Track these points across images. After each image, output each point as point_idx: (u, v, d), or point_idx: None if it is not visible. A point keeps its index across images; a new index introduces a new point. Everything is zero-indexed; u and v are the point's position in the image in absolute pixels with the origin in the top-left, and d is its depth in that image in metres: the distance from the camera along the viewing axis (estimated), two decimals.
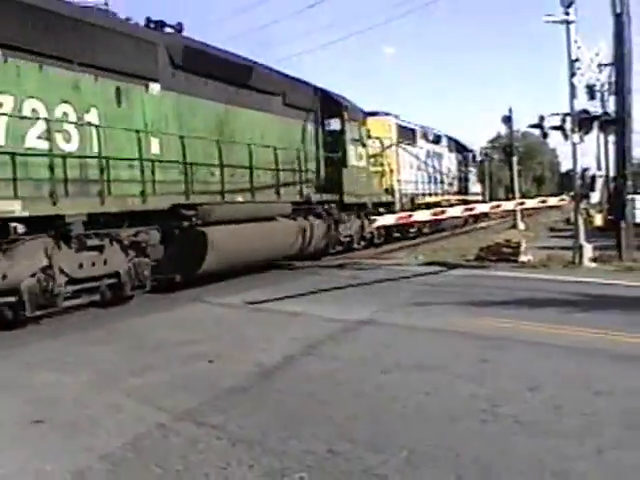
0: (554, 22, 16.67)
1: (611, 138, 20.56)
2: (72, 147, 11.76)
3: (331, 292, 13.67)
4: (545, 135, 18.28)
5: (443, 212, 18.08)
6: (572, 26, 16.67)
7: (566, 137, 17.29)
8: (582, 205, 17.88)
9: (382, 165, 26.92)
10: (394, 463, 4.82)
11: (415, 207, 28.62)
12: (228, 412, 6.15)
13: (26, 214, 10.28)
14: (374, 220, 17.74)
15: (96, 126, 12.17)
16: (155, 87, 14.07)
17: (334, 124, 22.30)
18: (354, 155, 23.18)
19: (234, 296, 13.27)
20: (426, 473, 4.67)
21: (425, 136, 37.00)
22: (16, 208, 10.07)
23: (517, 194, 37.56)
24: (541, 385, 6.63)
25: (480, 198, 42.97)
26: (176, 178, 14.27)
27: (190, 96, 15.20)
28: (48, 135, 11.10)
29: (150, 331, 10.40)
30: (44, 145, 11.07)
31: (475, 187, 47.20)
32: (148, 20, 14.95)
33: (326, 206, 20.50)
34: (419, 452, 5.03)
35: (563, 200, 19.39)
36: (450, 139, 42.70)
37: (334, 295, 13.38)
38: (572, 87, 17.00)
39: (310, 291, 13.61)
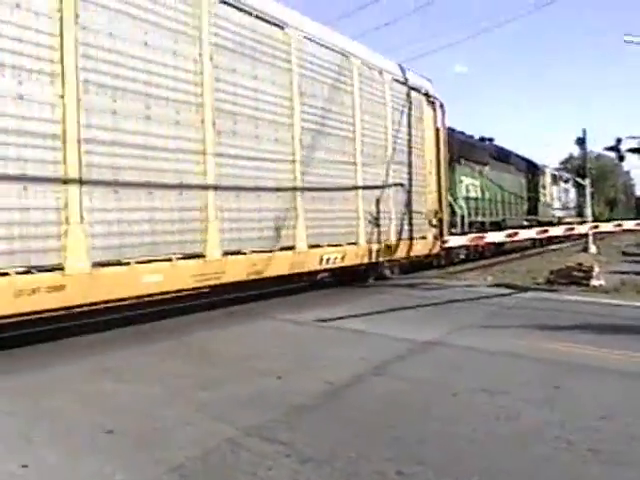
0: (635, 43, 16.37)
1: None
2: (474, 195, 29.89)
3: (400, 311, 13.64)
4: (621, 158, 18.03)
5: (516, 234, 17.98)
6: None
7: None
8: None
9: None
10: None
11: (560, 223, 43.04)
12: (297, 430, 6.16)
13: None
14: (446, 241, 17.82)
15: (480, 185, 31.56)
16: (487, 168, 32.49)
17: (532, 176, 42.92)
18: (541, 194, 44.77)
19: (302, 313, 13.33)
20: None
21: (561, 178, 53.70)
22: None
23: (590, 217, 37.30)
24: (614, 413, 6.49)
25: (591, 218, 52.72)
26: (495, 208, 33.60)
27: (495, 171, 34.30)
28: (475, 191, 29.83)
29: (219, 345, 10.51)
30: (473, 195, 29.47)
31: (587, 211, 57.36)
32: (480, 137, 34.77)
33: (532, 223, 38.07)
34: (490, 477, 4.98)
35: None
36: (574, 179, 58.06)
37: (403, 315, 13.34)
38: None
39: (379, 310, 13.56)
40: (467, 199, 28.46)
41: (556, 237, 37.73)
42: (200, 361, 9.36)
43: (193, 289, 12.47)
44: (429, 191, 21.73)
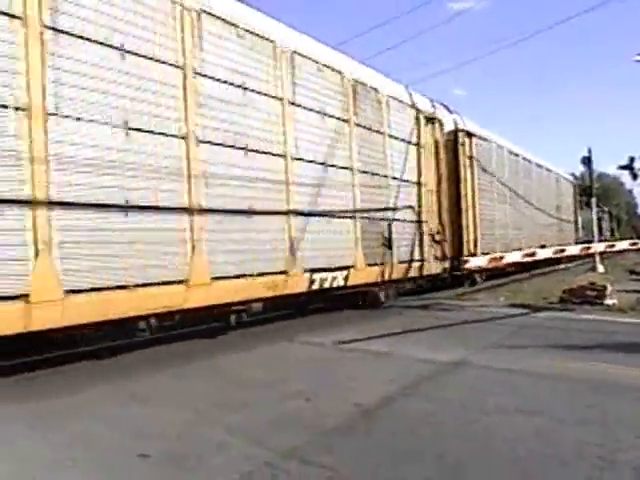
0: None
1: None
2: None
3: (419, 332, 13.58)
4: (635, 176, 17.96)
5: (534, 254, 17.98)
6: None
7: None
8: None
9: None
10: None
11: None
12: (335, 452, 6.12)
13: None
14: (466, 261, 17.78)
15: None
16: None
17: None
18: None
19: (321, 335, 13.26)
20: None
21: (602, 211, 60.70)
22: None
23: (597, 236, 37.36)
24: None
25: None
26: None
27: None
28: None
29: (242, 368, 10.47)
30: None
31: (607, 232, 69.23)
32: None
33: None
34: None
35: None
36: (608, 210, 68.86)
37: (423, 335, 13.29)
38: None
39: (398, 331, 13.53)
40: None
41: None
42: (227, 384, 9.32)
43: None
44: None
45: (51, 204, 9.23)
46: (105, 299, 9.89)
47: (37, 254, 8.97)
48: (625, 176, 19.02)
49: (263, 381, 9.37)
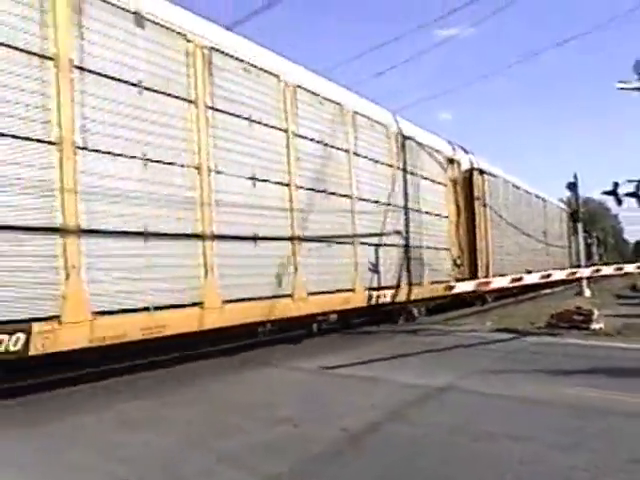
0: (628, 89, 16.43)
1: None
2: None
3: (406, 357, 13.58)
4: (620, 202, 18.02)
5: (520, 279, 18.06)
6: None
7: None
8: None
9: None
10: None
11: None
12: (322, 478, 6.10)
13: None
14: (453, 287, 18.10)
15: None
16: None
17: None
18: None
19: (306, 360, 13.26)
20: None
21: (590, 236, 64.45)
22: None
23: (584, 261, 37.56)
24: None
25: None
26: None
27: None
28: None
29: (228, 394, 10.46)
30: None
31: (595, 256, 70.44)
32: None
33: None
34: None
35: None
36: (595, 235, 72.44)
37: (409, 360, 13.29)
38: None
39: (384, 356, 13.49)
40: None
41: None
42: (215, 409, 9.33)
43: None
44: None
45: (213, 237, 12.65)
46: (245, 307, 13.26)
47: (206, 274, 12.40)
48: (611, 201, 19.71)
49: (250, 406, 9.38)
